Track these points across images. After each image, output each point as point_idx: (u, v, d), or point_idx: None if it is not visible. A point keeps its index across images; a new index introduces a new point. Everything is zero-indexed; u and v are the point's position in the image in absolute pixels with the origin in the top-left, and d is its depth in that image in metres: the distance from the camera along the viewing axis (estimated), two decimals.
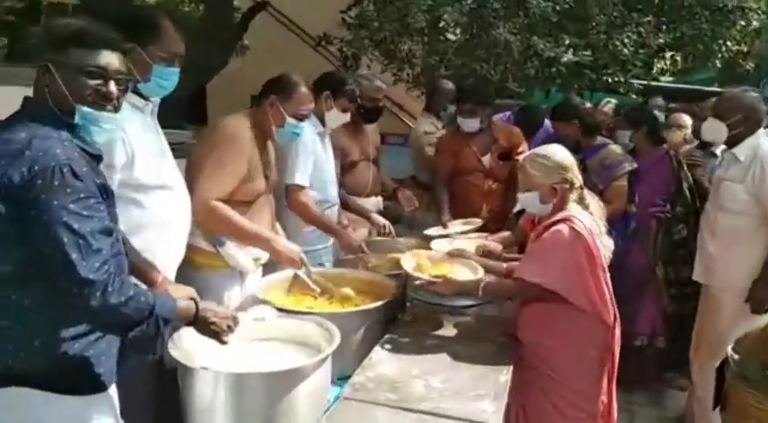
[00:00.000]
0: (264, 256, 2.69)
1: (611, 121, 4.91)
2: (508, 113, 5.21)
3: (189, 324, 1.79)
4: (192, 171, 2.49)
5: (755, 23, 6.51)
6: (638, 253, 4.01)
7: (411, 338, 2.45)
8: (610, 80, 5.40)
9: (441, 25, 4.99)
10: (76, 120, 1.56)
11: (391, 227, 3.49)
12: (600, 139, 4.16)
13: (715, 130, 3.25)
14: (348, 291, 2.64)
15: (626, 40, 4.96)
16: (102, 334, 1.63)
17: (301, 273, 2.63)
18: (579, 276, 2.33)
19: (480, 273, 2.63)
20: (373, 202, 3.75)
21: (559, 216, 2.40)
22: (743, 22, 5.84)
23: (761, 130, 3.18)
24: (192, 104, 6.27)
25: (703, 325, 3.39)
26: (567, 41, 4.82)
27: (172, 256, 2.22)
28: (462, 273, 2.67)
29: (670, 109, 5.76)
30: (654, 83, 6.97)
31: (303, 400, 1.91)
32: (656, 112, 4.85)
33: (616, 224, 3.71)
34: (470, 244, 3.02)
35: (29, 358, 1.52)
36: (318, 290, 2.60)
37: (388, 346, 2.34)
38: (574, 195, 2.47)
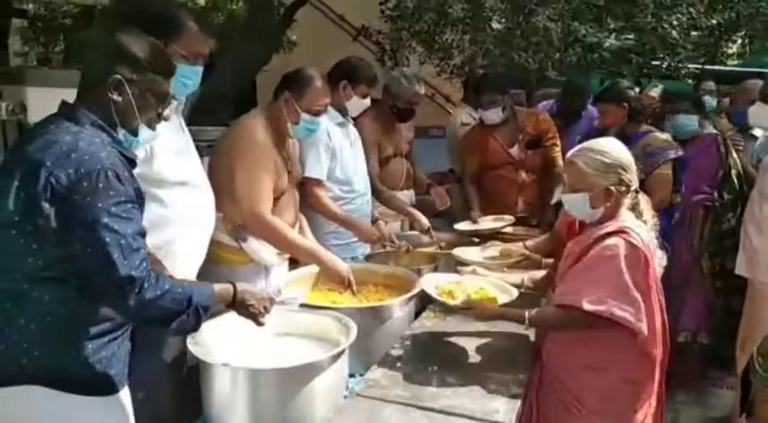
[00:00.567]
0: None
1: (657, 105, 4.72)
2: (552, 102, 5.10)
3: (227, 307, 1.85)
4: (223, 178, 2.50)
5: None
6: (681, 244, 3.84)
7: (431, 335, 2.43)
8: (663, 65, 5.23)
9: (483, 14, 4.93)
10: (138, 137, 1.68)
11: (429, 225, 3.42)
12: (644, 127, 3.92)
13: (762, 114, 3.09)
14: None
15: (675, 23, 4.78)
16: (114, 336, 1.66)
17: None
18: (641, 302, 1.97)
19: (512, 293, 2.32)
20: (405, 196, 3.75)
21: (612, 227, 2.04)
22: None
23: None
24: (245, 99, 6.41)
25: (749, 321, 3.24)
26: (612, 26, 4.68)
27: (194, 254, 2.24)
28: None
29: (722, 94, 5.50)
30: (709, 67, 6.65)
31: (319, 395, 1.93)
32: (707, 98, 4.64)
33: (658, 216, 3.58)
34: (495, 250, 2.86)
35: (43, 357, 1.54)
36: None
37: (407, 343, 2.34)
38: (628, 200, 2.13)
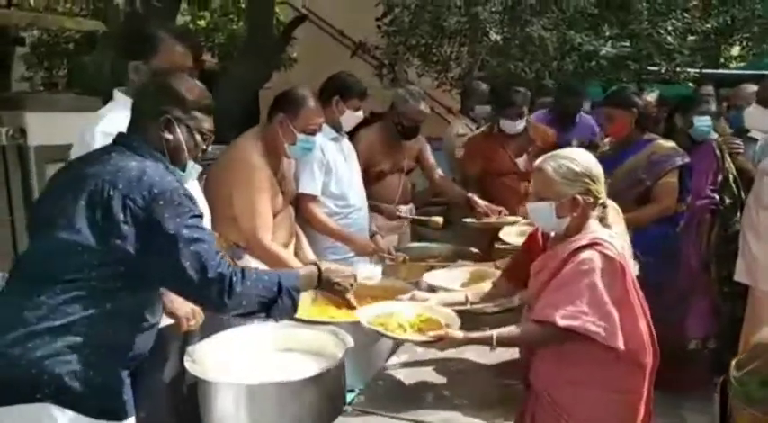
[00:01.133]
0: None
1: (653, 110, 4.69)
2: (544, 112, 5.10)
3: (315, 287, 1.99)
4: (219, 200, 2.53)
5: None
6: (689, 250, 3.74)
7: (427, 349, 2.41)
8: (661, 70, 5.24)
9: (479, 26, 4.97)
10: (186, 172, 1.81)
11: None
12: (648, 134, 3.75)
13: (758, 116, 3.07)
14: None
15: (670, 28, 4.79)
16: (134, 364, 1.70)
17: None
18: (619, 314, 1.91)
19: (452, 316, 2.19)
20: (404, 210, 3.77)
21: (585, 239, 1.97)
22: None
23: None
24: (248, 116, 6.48)
25: (750, 328, 3.16)
26: (608, 33, 4.70)
27: None
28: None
29: (723, 97, 5.50)
30: (707, 71, 6.66)
31: (317, 408, 1.94)
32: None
33: (664, 224, 3.52)
34: (467, 271, 2.85)
35: (64, 376, 1.54)
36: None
37: (404, 356, 2.33)
38: (596, 213, 2.05)
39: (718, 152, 3.80)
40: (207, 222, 2.33)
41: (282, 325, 2.25)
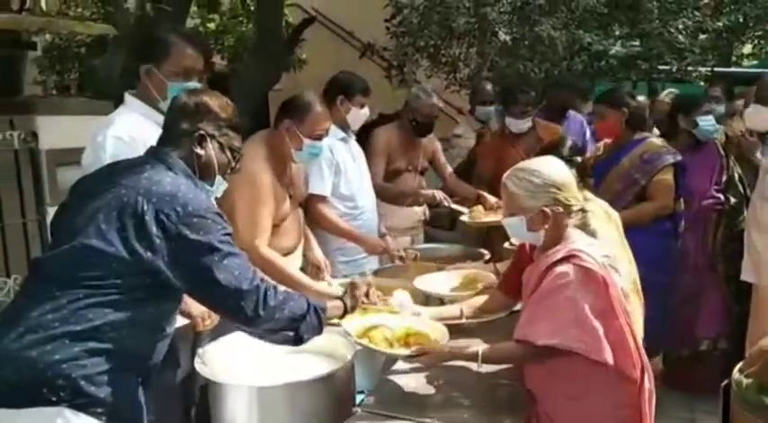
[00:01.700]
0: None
1: (665, 109, 4.64)
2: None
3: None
4: (223, 208, 2.53)
5: None
6: (695, 249, 3.73)
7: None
8: (672, 69, 5.20)
9: (488, 26, 4.96)
10: (213, 187, 1.84)
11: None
12: (639, 134, 3.70)
13: (758, 116, 3.02)
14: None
15: (681, 26, 4.76)
16: (142, 371, 1.70)
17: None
18: (599, 327, 1.86)
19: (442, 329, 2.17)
20: (418, 211, 3.78)
21: (562, 252, 1.93)
22: None
23: None
24: (258, 118, 6.50)
25: (756, 328, 3.11)
26: (618, 33, 4.68)
27: None
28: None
29: (737, 96, 5.42)
30: (719, 69, 6.59)
31: (328, 410, 1.95)
32: (714, 105, 4.57)
33: (664, 224, 3.49)
34: (459, 276, 2.81)
35: (80, 381, 1.54)
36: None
37: (413, 358, 2.33)
38: (574, 220, 2.00)
39: (722, 151, 3.77)
40: None
41: None
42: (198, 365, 2.01)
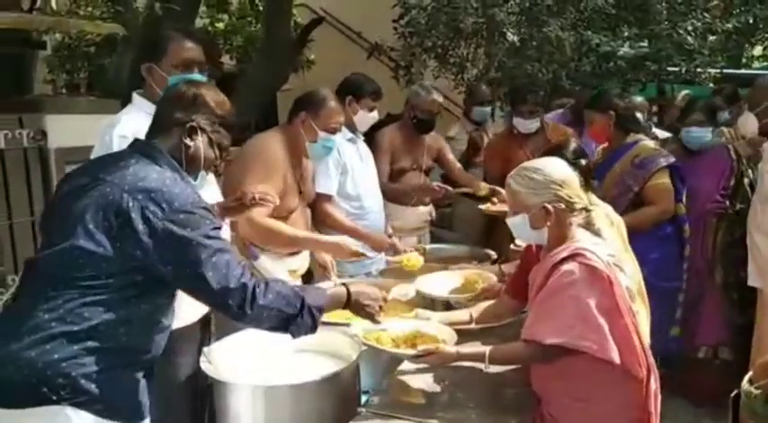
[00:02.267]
0: (302, 268, 2.75)
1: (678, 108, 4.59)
2: (560, 112, 5.05)
3: (343, 308, 1.97)
4: (231, 190, 2.57)
5: None
6: (695, 256, 3.60)
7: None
8: (681, 71, 5.18)
9: (495, 27, 4.95)
10: (197, 181, 1.82)
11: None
12: (632, 137, 3.58)
13: (749, 122, 2.99)
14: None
15: (690, 28, 4.74)
16: (142, 365, 1.70)
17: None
18: (604, 325, 1.86)
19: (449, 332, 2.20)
20: (424, 212, 3.77)
21: (567, 251, 1.93)
22: None
23: None
24: (266, 118, 6.51)
25: (761, 334, 3.08)
26: (626, 34, 4.67)
27: None
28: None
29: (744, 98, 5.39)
30: (728, 71, 6.55)
31: (333, 410, 1.96)
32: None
33: (666, 228, 3.44)
34: (461, 276, 2.81)
35: (80, 379, 1.55)
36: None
37: (418, 358, 2.32)
38: (577, 219, 2.01)
39: (733, 155, 3.68)
40: (225, 230, 2.36)
41: None
42: (203, 364, 2.02)
